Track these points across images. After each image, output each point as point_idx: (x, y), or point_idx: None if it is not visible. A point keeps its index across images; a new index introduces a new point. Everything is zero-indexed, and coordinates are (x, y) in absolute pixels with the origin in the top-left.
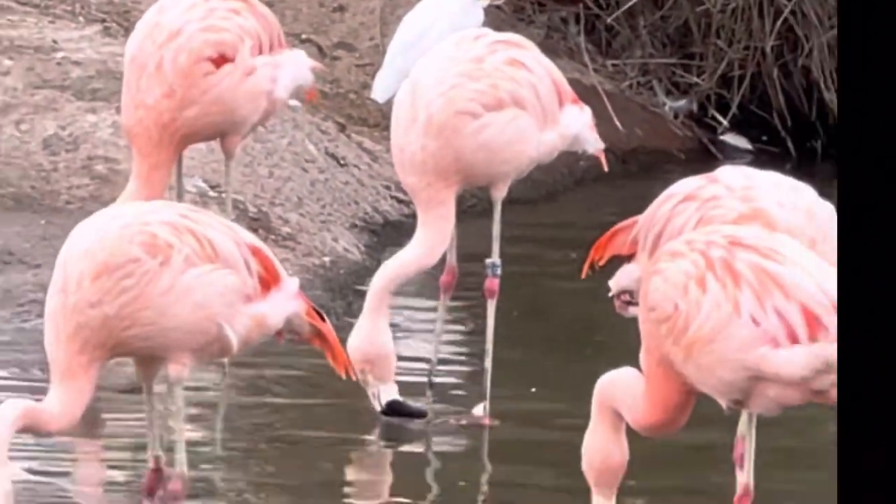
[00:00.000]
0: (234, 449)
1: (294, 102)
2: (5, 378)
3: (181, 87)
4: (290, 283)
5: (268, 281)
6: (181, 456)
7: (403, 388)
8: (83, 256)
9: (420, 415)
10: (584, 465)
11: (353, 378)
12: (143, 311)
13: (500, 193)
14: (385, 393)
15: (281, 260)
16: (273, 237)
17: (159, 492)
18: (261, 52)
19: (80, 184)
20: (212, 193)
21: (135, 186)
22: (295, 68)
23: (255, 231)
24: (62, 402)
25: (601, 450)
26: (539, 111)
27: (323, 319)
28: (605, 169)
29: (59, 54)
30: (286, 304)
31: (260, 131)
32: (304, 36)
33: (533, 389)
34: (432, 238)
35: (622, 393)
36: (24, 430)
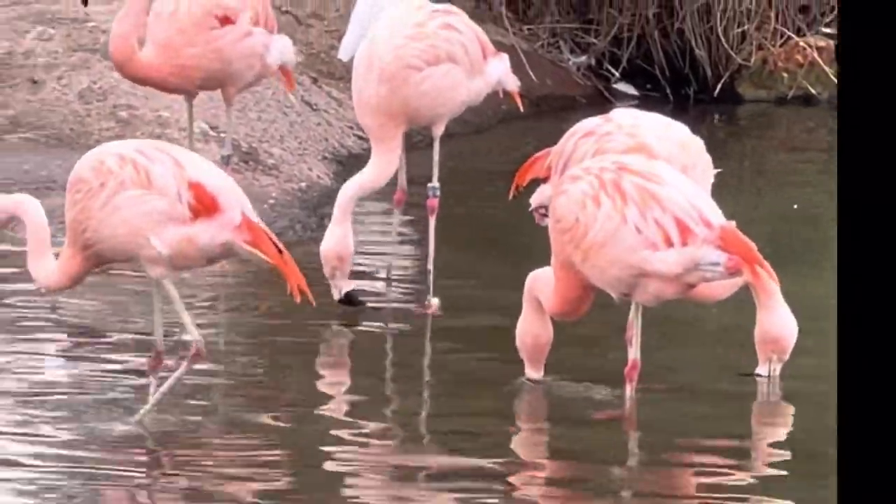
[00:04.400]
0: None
1: None
2: None
3: (191, 30)
4: (231, 217)
5: (198, 210)
6: (191, 328)
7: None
8: (71, 174)
9: (363, 304)
10: (518, 344)
11: (309, 299)
12: (89, 220)
13: (438, 131)
14: (346, 285)
15: (266, 185)
16: (261, 167)
17: (161, 371)
18: (257, 25)
19: (107, 126)
20: (212, 133)
21: None
22: (283, 47)
23: (246, 162)
24: (50, 271)
25: (530, 331)
26: (468, 64)
27: (280, 252)
28: (522, 108)
29: (90, 24)
30: (217, 231)
31: None
32: (283, 9)
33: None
34: (382, 166)
35: (542, 286)
36: None
